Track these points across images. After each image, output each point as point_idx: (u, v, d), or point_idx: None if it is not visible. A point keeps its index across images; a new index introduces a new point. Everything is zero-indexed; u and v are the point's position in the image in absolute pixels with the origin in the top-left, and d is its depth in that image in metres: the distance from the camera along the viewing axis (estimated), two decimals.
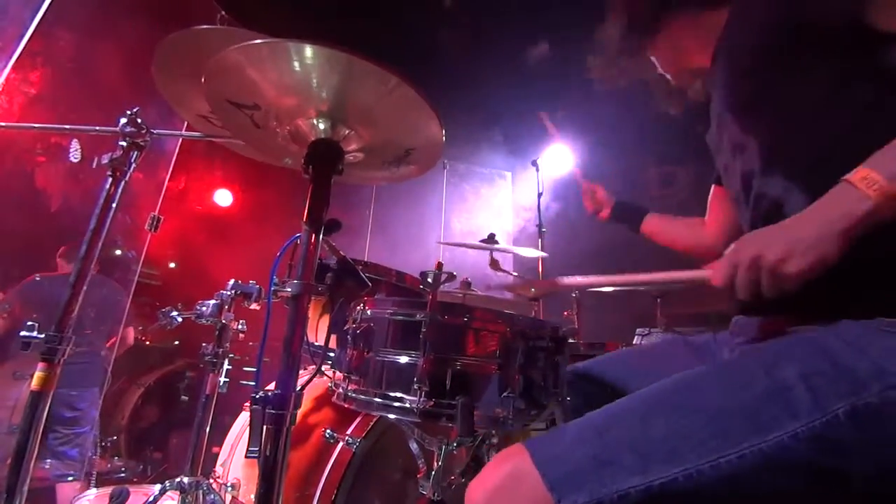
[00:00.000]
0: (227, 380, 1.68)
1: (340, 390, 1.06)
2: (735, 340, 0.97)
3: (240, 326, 1.75)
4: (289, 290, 0.86)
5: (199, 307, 1.65)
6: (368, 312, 1.07)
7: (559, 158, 4.69)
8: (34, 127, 1.68)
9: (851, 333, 0.69)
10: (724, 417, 0.67)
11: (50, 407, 1.13)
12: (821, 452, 0.62)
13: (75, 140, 1.35)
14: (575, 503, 0.64)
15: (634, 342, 2.61)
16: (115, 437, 3.58)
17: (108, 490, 1.79)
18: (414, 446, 1.19)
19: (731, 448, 0.64)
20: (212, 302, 1.65)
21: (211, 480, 1.73)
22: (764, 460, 0.63)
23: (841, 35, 0.78)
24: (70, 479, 2.83)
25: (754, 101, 0.92)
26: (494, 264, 2.63)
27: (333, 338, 1.17)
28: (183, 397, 3.91)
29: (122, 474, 3.42)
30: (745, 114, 0.93)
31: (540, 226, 3.37)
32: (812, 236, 0.69)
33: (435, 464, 1.12)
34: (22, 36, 2.52)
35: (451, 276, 1.02)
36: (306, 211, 0.91)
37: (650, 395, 0.75)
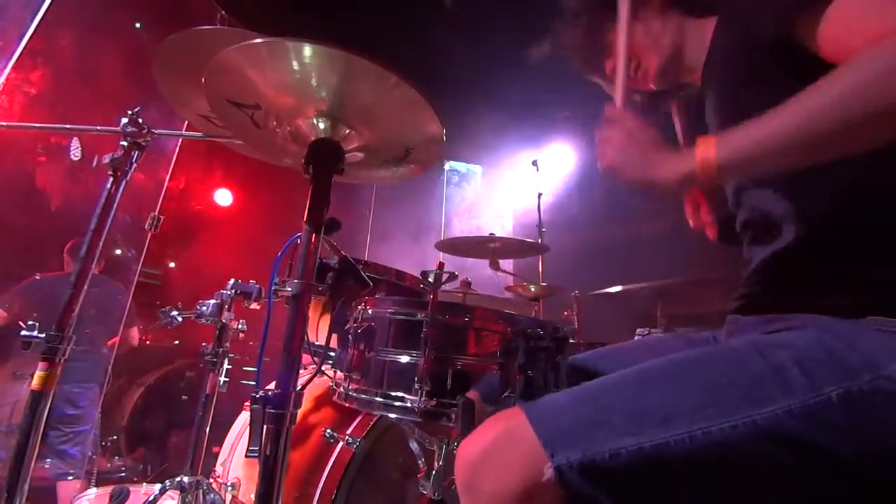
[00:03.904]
0: (227, 379, 1.68)
1: (341, 390, 1.06)
2: (729, 338, 0.98)
3: (240, 326, 1.75)
4: (289, 289, 0.86)
5: (199, 307, 1.66)
6: (369, 312, 1.07)
7: (559, 158, 4.71)
8: (34, 127, 1.69)
9: (843, 330, 0.71)
10: (720, 390, 0.69)
11: (51, 404, 1.13)
12: (812, 430, 0.64)
13: (76, 138, 1.35)
14: (567, 459, 0.65)
15: None
16: (115, 437, 3.58)
17: (108, 490, 1.79)
18: (414, 446, 1.19)
19: (724, 417, 0.65)
20: (212, 302, 1.65)
21: (211, 480, 1.74)
22: (756, 431, 0.64)
23: (790, 53, 0.79)
24: (70, 478, 2.83)
25: (738, 122, 0.93)
26: (494, 264, 2.63)
27: (334, 337, 1.17)
28: (183, 397, 3.91)
29: (122, 474, 3.42)
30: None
31: (540, 225, 3.37)
32: (645, 171, 0.83)
33: (436, 463, 1.12)
34: (22, 36, 2.52)
35: (453, 276, 1.02)
36: (307, 210, 0.91)
37: (647, 367, 0.76)
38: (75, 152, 1.33)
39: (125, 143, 1.26)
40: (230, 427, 2.04)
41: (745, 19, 0.88)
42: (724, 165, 0.74)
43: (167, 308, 1.74)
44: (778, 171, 0.80)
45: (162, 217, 1.53)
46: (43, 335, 1.13)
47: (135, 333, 3.46)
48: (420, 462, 1.18)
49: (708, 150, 0.75)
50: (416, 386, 0.92)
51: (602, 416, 0.69)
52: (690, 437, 0.65)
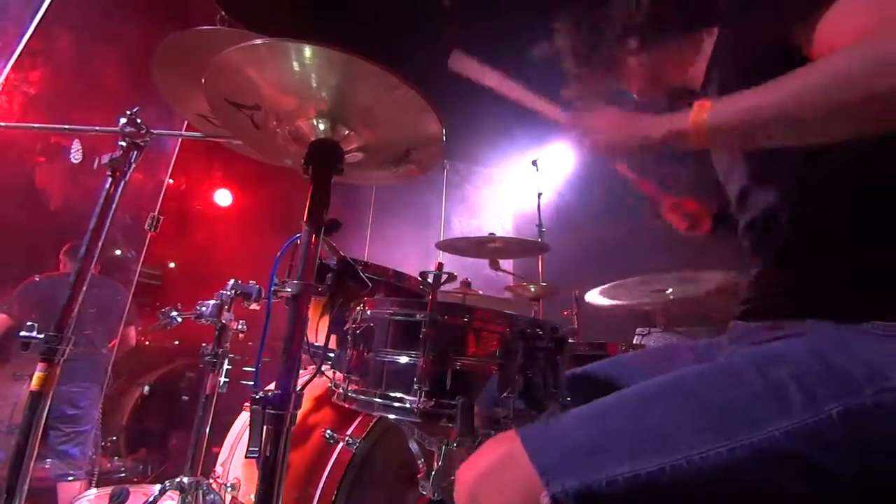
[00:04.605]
0: (226, 380, 1.68)
1: (340, 390, 1.06)
2: (732, 345, 0.97)
3: (240, 326, 1.74)
4: (289, 290, 0.86)
5: (199, 307, 1.65)
6: (368, 312, 1.07)
7: (559, 158, 4.70)
8: (34, 127, 1.68)
9: (844, 337, 0.70)
10: (717, 412, 0.68)
11: (51, 404, 1.13)
12: (812, 450, 0.63)
13: (76, 140, 1.35)
14: (563, 487, 0.65)
15: (634, 342, 2.61)
16: (115, 437, 3.58)
17: (108, 490, 1.79)
18: (414, 446, 1.19)
19: (721, 441, 0.64)
20: (212, 302, 1.64)
21: (211, 480, 1.73)
22: (754, 454, 0.63)
23: (790, 58, 0.79)
24: (70, 478, 2.83)
25: None
26: (495, 264, 2.63)
27: (333, 338, 1.17)
28: (183, 397, 3.90)
29: (122, 474, 3.42)
30: None
31: (540, 225, 3.37)
32: (633, 129, 0.87)
33: (435, 464, 1.12)
34: (22, 36, 2.52)
35: (452, 277, 1.02)
36: (306, 211, 0.91)
37: (644, 389, 0.76)
38: (76, 155, 1.33)
39: (124, 144, 1.26)
40: (230, 427, 2.04)
41: (746, 25, 0.88)
42: (714, 127, 0.76)
43: (167, 309, 1.73)
44: (770, 144, 0.79)
45: (161, 217, 1.52)
46: (42, 336, 1.13)
47: (132, 333, 3.45)
48: (420, 462, 1.18)
49: (701, 113, 0.77)
50: (416, 386, 0.92)
51: (598, 441, 0.69)
52: (688, 461, 0.64)
